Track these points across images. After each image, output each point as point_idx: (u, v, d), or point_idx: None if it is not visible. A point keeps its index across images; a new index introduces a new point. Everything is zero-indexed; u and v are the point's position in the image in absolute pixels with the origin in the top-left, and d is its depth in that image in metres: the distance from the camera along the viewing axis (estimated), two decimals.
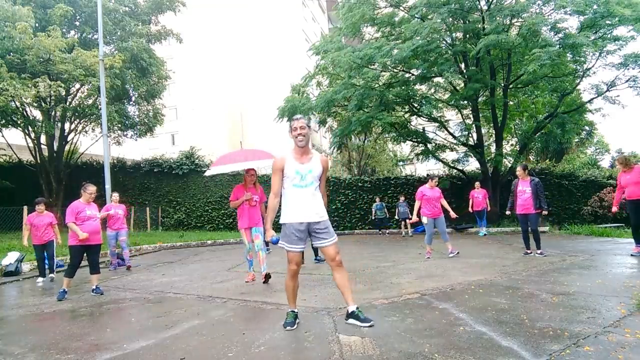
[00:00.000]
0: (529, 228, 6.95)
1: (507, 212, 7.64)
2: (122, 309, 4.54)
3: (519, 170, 7.12)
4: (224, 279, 6.17)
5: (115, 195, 8.55)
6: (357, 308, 3.32)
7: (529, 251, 6.96)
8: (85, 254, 5.50)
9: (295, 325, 3.32)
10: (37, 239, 6.78)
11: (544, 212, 6.82)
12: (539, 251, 6.85)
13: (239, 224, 5.77)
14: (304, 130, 3.26)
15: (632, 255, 6.31)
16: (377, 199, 14.69)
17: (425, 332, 3.04)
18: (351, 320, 3.30)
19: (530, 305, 3.66)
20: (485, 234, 11.84)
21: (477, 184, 12.20)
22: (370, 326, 3.20)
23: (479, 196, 11.72)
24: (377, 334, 3.03)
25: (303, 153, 3.32)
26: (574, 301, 3.75)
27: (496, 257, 7.01)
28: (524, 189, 6.91)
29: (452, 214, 7.65)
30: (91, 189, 5.53)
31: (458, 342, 2.78)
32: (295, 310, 3.43)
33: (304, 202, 3.27)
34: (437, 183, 7.74)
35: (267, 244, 10.00)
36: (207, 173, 6.24)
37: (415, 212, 7.68)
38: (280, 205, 3.40)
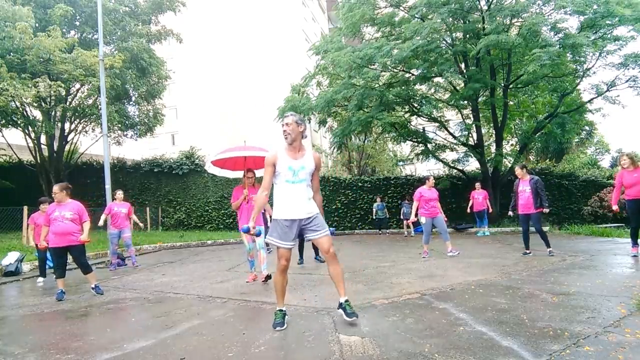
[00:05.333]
0: (533, 228, 6.90)
1: (510, 213, 7.58)
2: (122, 309, 4.54)
3: (517, 170, 7.11)
4: (224, 279, 6.17)
5: (120, 193, 8.49)
6: (346, 301, 3.36)
7: (528, 251, 6.95)
8: (70, 257, 5.49)
9: (285, 325, 3.32)
10: (40, 238, 6.78)
11: (545, 210, 6.78)
12: (549, 249, 6.77)
13: (239, 225, 5.77)
14: (289, 127, 3.28)
15: (634, 255, 6.21)
16: (378, 199, 14.68)
17: (425, 332, 3.04)
18: (340, 311, 3.39)
19: (530, 305, 3.66)
20: (485, 234, 11.83)
21: (477, 184, 12.18)
22: (352, 322, 3.25)
23: (479, 197, 11.70)
24: (377, 334, 3.03)
25: (295, 149, 3.33)
26: (574, 301, 3.74)
27: (496, 257, 7.00)
28: (524, 189, 6.89)
29: (444, 217, 7.67)
30: (53, 189, 5.50)
31: (458, 342, 2.78)
32: (284, 309, 3.41)
33: (295, 199, 3.29)
34: (434, 183, 7.81)
35: (267, 244, 10.03)
36: (211, 159, 5.95)
37: (413, 213, 7.73)
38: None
